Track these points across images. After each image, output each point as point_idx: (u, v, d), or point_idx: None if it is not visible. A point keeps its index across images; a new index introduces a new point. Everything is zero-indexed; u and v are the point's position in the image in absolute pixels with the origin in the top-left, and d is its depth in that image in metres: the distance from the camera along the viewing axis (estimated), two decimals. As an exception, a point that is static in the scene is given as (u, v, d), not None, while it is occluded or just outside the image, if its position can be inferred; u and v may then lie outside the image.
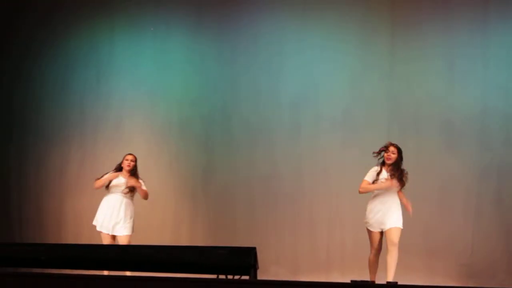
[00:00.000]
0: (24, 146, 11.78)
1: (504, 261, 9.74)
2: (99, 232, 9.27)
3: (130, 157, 9.38)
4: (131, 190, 9.29)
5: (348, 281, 8.07)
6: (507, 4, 10.15)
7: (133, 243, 9.15)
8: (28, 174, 11.70)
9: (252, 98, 10.88)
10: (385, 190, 8.37)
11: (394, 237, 8.22)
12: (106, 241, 9.21)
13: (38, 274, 7.15)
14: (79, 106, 11.58)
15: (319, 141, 10.48)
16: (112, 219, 9.22)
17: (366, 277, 8.32)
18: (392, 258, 8.16)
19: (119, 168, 9.38)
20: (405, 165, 8.60)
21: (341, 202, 10.22)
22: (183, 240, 10.62)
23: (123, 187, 9.27)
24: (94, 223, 9.34)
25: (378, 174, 8.41)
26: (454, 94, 10.16)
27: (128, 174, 9.31)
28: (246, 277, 6.68)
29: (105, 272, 8.36)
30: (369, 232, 8.40)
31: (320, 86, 10.64)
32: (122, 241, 9.19)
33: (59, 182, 11.53)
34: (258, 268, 6.71)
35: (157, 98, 11.29)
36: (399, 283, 7.49)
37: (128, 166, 9.31)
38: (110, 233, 9.22)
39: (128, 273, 8.25)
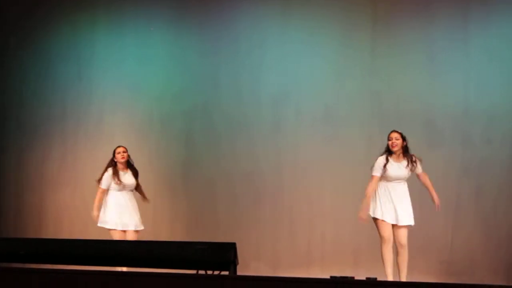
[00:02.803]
0: (5, 141, 11.73)
1: (483, 258, 9.78)
2: (110, 230, 9.18)
3: (121, 149, 9.32)
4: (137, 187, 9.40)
5: (328, 276, 8.06)
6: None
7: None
8: (9, 169, 11.65)
9: (233, 94, 10.87)
10: (395, 178, 8.33)
11: (403, 238, 8.25)
12: (117, 237, 9.18)
13: (17, 269, 7.13)
14: (61, 102, 11.54)
15: (300, 136, 10.49)
16: (125, 215, 9.21)
17: (346, 273, 8.31)
18: (403, 259, 8.24)
19: (113, 163, 9.34)
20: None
21: (322, 198, 10.24)
22: (163, 235, 10.59)
23: (129, 185, 9.31)
24: (102, 224, 9.22)
25: (385, 165, 8.31)
26: (436, 90, 10.18)
27: (124, 166, 9.28)
28: (226, 273, 6.68)
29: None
30: (379, 223, 8.34)
31: (301, 81, 10.64)
32: (133, 236, 9.20)
33: (40, 177, 11.49)
34: (238, 263, 6.72)
35: (138, 93, 11.27)
36: (379, 279, 7.51)
37: (123, 158, 9.27)
38: (125, 229, 9.21)
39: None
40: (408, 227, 8.38)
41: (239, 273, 6.78)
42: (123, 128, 11.22)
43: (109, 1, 11.58)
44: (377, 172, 8.35)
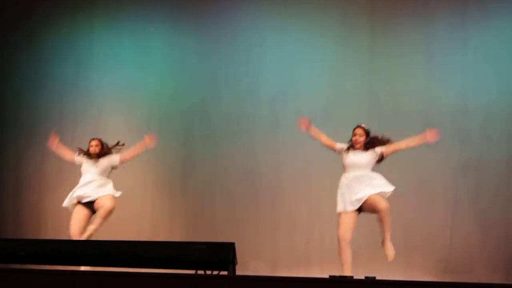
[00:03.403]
0: (4, 141, 11.74)
1: (482, 257, 9.80)
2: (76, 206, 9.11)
3: (93, 143, 9.25)
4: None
5: (327, 276, 8.07)
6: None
7: (112, 238, 9.12)
8: (8, 169, 11.66)
9: (231, 94, 10.88)
10: (353, 165, 8.17)
11: (379, 202, 7.99)
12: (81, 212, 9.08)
13: (16, 270, 7.14)
14: (59, 102, 11.55)
15: (299, 136, 10.46)
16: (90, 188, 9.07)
17: (345, 273, 8.34)
18: (383, 219, 8.07)
19: (87, 152, 9.27)
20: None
21: (320, 198, 10.23)
22: (161, 235, 10.62)
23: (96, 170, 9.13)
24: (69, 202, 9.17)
25: (346, 152, 8.25)
26: (434, 89, 10.20)
27: (96, 159, 9.19)
28: (225, 273, 6.69)
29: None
30: (340, 217, 8.17)
31: (300, 81, 10.65)
32: (103, 202, 8.96)
33: (38, 177, 11.50)
34: (237, 263, 6.72)
35: (136, 93, 11.28)
36: (378, 277, 7.53)
37: (94, 151, 9.22)
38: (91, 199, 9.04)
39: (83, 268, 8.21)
40: (380, 193, 8.11)
41: (238, 273, 6.78)
42: (121, 128, 11.21)
43: (108, 2, 11.59)
44: (338, 143, 8.33)
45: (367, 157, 8.22)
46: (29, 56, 11.77)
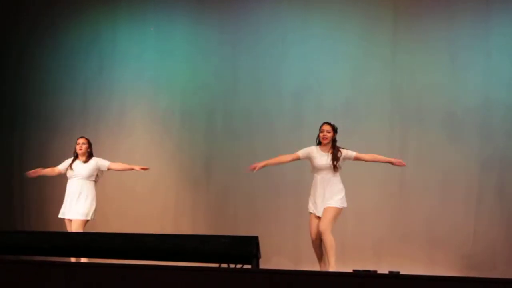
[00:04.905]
0: (27, 134, 11.80)
1: (505, 253, 9.77)
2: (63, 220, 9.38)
3: (80, 141, 9.49)
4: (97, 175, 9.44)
5: (350, 270, 8.06)
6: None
7: (135, 231, 9.14)
8: (31, 162, 11.67)
9: (254, 88, 10.88)
10: (320, 168, 8.47)
11: (321, 224, 8.39)
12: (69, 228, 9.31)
13: (41, 262, 7.18)
14: (82, 95, 11.60)
15: (321, 130, 10.48)
16: (72, 204, 9.31)
17: (368, 267, 8.32)
18: (325, 245, 8.44)
19: (74, 153, 9.50)
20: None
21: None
22: (184, 229, 10.64)
23: (83, 173, 9.34)
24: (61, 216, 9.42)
25: (314, 157, 8.51)
26: (456, 85, 10.17)
27: (83, 158, 9.38)
28: (248, 266, 6.69)
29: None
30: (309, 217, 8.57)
31: (322, 76, 10.64)
32: (76, 225, 9.22)
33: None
34: (260, 257, 6.72)
35: (160, 87, 11.30)
36: (401, 273, 7.52)
37: (80, 149, 9.44)
38: (67, 218, 9.33)
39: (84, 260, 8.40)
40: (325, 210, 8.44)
41: (260, 267, 6.78)
42: (144, 122, 11.26)
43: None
44: (300, 153, 8.56)
45: (329, 160, 8.48)
46: (52, 50, 11.81)
